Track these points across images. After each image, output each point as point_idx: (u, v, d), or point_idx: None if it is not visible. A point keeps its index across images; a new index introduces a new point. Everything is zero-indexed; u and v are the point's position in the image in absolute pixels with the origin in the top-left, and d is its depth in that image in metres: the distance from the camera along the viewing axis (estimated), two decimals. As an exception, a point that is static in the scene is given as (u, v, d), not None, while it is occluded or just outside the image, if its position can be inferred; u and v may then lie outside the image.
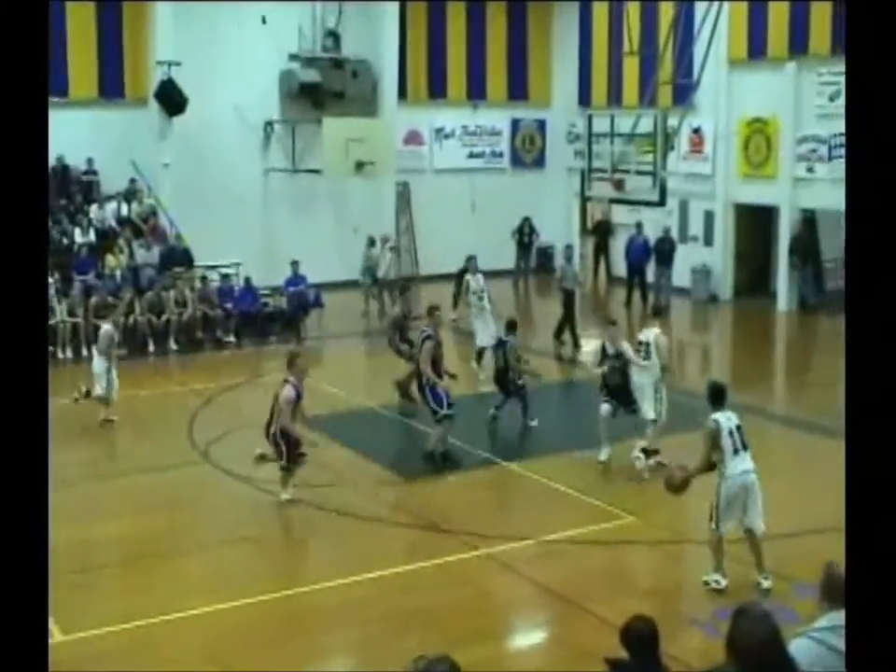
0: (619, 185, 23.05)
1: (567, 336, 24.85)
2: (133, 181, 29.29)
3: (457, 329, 25.41)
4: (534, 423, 18.62)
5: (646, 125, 23.05)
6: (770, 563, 12.08)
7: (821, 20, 27.63)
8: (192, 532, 14.49)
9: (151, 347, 24.78)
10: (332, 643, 11.54)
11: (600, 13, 34.15)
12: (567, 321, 24.94)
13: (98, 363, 19.06)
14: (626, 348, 16.56)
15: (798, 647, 5.77)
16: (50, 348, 22.55)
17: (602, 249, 34.06)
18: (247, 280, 26.96)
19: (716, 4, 23.67)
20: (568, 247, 27.43)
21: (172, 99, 29.14)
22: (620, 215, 32.79)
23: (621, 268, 31.84)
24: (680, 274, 30.68)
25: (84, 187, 28.77)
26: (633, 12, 27.40)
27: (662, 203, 23.08)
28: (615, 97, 33.03)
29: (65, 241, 26.66)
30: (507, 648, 11.62)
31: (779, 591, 11.67)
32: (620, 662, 6.43)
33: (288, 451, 14.68)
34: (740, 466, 11.84)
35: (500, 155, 36.28)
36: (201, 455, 17.26)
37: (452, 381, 17.37)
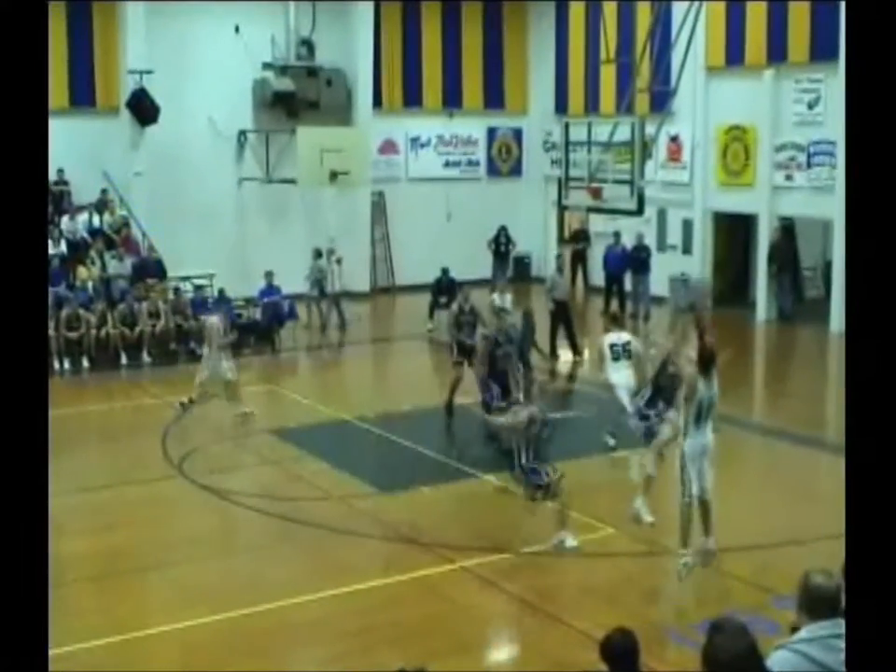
0: (596, 194, 22.88)
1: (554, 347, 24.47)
2: (104, 192, 29.01)
3: (432, 339, 25.24)
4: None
5: (623, 133, 22.87)
6: (748, 574, 11.97)
7: (800, 27, 27.56)
8: (165, 546, 14.23)
9: (124, 360, 24.48)
10: (306, 659, 11.30)
11: (577, 20, 34.05)
12: (566, 331, 24.52)
13: (209, 359, 19.48)
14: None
15: (779, 659, 5.76)
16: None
17: (579, 258, 33.90)
18: (221, 291, 26.66)
19: (693, 10, 23.52)
20: (559, 257, 27.22)
21: (144, 108, 28.89)
22: (597, 224, 32.64)
23: (598, 277, 31.67)
24: (659, 283, 30.55)
25: (55, 197, 28.39)
26: (610, 19, 27.26)
27: (640, 211, 22.91)
28: (592, 105, 32.90)
29: (36, 252, 26.31)
30: (484, 662, 11.40)
31: (758, 602, 11.51)
32: (600, 676, 6.27)
33: None
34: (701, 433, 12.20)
35: (476, 164, 36.14)
36: (174, 468, 17.01)
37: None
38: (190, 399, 19.65)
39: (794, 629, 6.03)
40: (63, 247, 26.97)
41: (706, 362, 12.29)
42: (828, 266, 29.41)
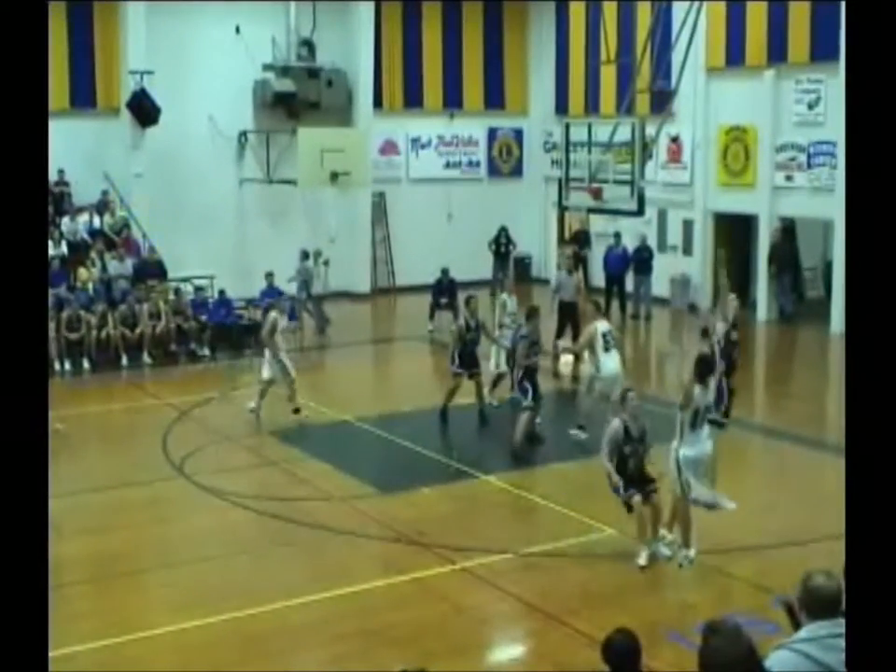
0: (597, 194, 22.85)
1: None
2: (105, 192, 28.99)
3: (433, 340, 25.21)
4: (538, 421, 18.51)
5: (624, 134, 22.87)
6: (750, 574, 11.94)
7: (800, 27, 27.56)
8: (164, 548, 14.25)
9: (125, 361, 24.46)
10: (306, 661, 11.26)
11: (577, 21, 34.04)
12: (573, 332, 24.27)
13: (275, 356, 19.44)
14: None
15: (779, 659, 5.76)
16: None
17: (580, 259, 33.84)
18: (221, 292, 26.66)
19: (693, 11, 23.50)
20: (567, 258, 27.12)
21: (144, 109, 28.88)
22: (598, 224, 32.63)
23: (599, 278, 31.64)
24: (659, 284, 30.54)
25: (55, 198, 28.36)
26: (610, 19, 27.26)
27: (640, 212, 22.88)
28: (593, 105, 32.89)
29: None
30: (484, 663, 11.39)
31: (759, 603, 11.49)
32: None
33: None
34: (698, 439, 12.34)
35: (477, 164, 36.12)
36: (175, 469, 17.00)
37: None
38: (259, 399, 19.68)
39: (796, 625, 6.03)
40: (64, 248, 26.97)
41: (702, 369, 12.30)
42: (828, 266, 29.39)
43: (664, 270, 30.62)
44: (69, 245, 27.24)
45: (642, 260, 30.29)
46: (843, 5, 25.38)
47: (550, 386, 22.87)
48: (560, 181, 24.60)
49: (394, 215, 34.36)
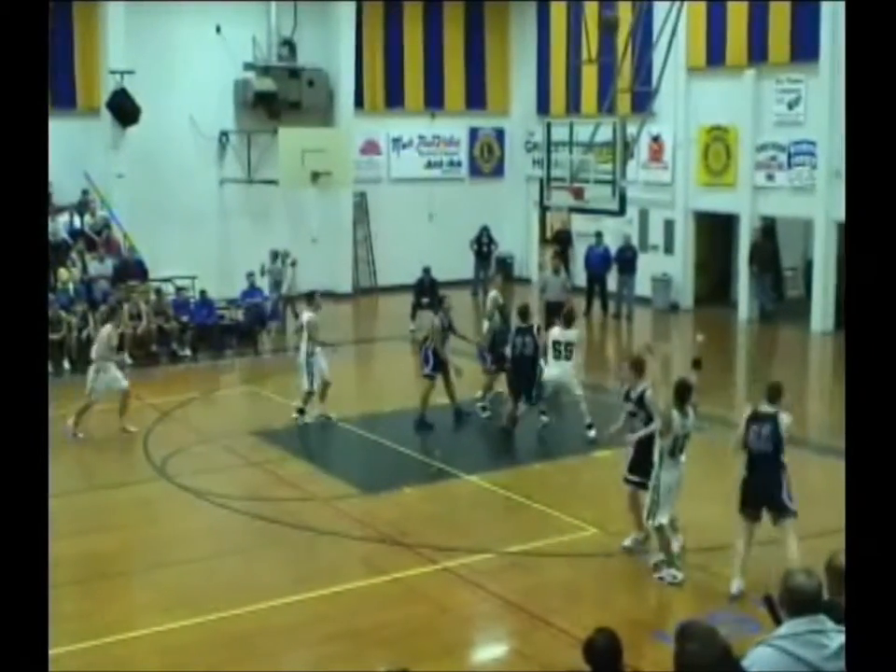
0: (578, 194, 22.87)
1: None
2: (85, 192, 28.90)
3: (415, 340, 25.13)
4: (545, 419, 18.83)
5: (605, 133, 22.89)
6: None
7: (780, 27, 27.65)
8: (147, 549, 14.21)
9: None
10: (290, 662, 11.26)
11: (558, 21, 34.07)
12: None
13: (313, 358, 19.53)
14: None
15: (758, 655, 5.83)
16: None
17: (561, 259, 33.88)
18: (203, 293, 26.61)
19: (674, 11, 23.55)
20: (553, 258, 27.09)
21: (125, 108, 28.80)
22: (579, 224, 32.66)
23: (580, 277, 31.67)
24: (641, 283, 30.60)
25: (36, 198, 28.29)
26: (591, 19, 27.26)
27: (622, 212, 22.89)
28: (574, 105, 32.88)
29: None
30: (468, 663, 11.40)
31: (743, 602, 11.52)
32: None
33: None
34: (676, 466, 12.29)
35: (458, 164, 36.13)
36: (156, 470, 16.97)
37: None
38: (300, 410, 19.52)
39: (777, 620, 6.07)
40: (44, 249, 26.83)
41: (681, 395, 12.28)
42: (808, 266, 29.49)
43: (645, 269, 30.70)
44: (49, 245, 27.09)
45: (626, 260, 30.34)
46: (823, 5, 25.57)
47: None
48: (541, 181, 24.61)
49: (375, 214, 34.31)
